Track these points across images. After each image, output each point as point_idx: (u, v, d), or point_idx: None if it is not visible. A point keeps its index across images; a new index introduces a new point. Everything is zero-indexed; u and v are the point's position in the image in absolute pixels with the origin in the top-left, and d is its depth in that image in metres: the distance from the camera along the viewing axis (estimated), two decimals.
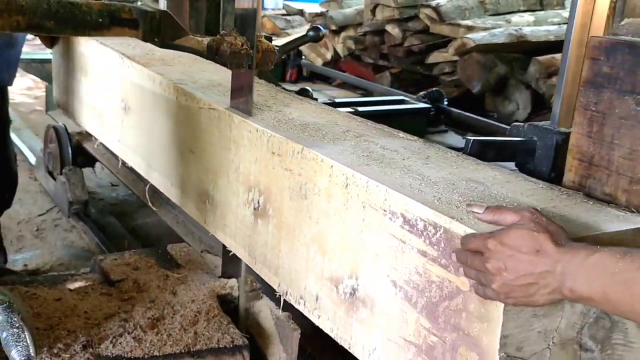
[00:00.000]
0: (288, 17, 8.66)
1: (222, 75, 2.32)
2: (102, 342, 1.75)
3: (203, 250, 2.68)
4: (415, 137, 1.87)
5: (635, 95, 1.52)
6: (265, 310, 2.02)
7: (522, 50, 5.93)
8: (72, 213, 3.82)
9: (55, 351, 1.69)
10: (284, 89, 2.41)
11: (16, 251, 3.52)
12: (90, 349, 1.72)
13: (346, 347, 1.62)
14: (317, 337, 1.82)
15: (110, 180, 4.55)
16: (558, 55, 5.17)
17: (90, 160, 4.08)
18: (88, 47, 2.89)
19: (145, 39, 1.88)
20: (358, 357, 1.59)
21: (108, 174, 4.41)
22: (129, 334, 1.81)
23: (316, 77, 6.96)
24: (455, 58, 6.08)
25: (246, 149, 1.91)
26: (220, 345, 1.81)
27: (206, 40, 1.87)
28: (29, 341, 1.50)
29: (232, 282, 2.09)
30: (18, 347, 1.47)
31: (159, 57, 2.54)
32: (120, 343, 1.76)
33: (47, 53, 3.61)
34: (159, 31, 1.88)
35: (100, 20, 1.77)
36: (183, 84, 2.23)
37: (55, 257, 3.53)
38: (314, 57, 7.53)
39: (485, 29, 6.15)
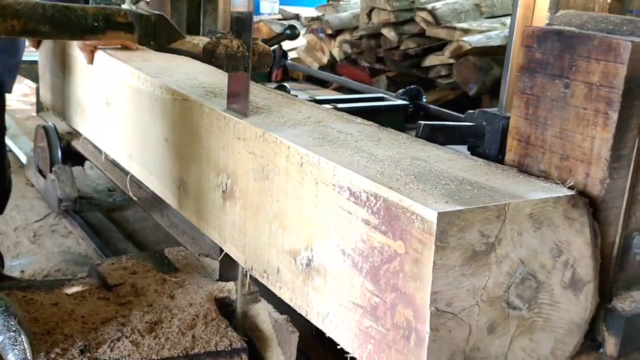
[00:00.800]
0: (284, 22, 8.72)
1: (198, 69, 2.44)
2: (99, 346, 1.74)
3: (200, 254, 2.71)
4: (371, 123, 1.97)
5: (563, 79, 1.62)
6: (263, 313, 2.03)
7: None
8: (62, 210, 3.96)
9: (53, 356, 1.67)
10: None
11: (13, 257, 3.52)
12: (88, 354, 1.71)
13: (303, 314, 1.72)
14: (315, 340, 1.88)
15: (107, 185, 4.65)
16: None
17: (80, 159, 4.22)
18: (71, 46, 3.02)
19: (141, 43, 1.89)
20: (314, 323, 1.69)
21: (105, 179, 4.49)
22: (126, 338, 1.80)
23: (313, 81, 7.07)
24: (452, 61, 6.15)
25: (215, 135, 2.02)
26: (219, 349, 1.81)
27: (202, 43, 1.89)
28: (25, 345, 1.48)
29: (230, 285, 2.09)
30: (15, 350, 1.45)
31: (139, 54, 2.66)
32: (118, 347, 1.76)
33: (35, 54, 3.73)
34: (155, 35, 1.88)
35: (96, 24, 1.78)
36: (159, 77, 2.34)
37: (52, 263, 3.51)
38: (311, 61, 7.57)
39: (481, 31, 6.23)
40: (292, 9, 8.99)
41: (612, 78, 1.53)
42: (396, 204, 1.39)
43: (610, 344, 1.70)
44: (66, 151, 4.24)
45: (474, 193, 1.44)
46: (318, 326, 1.68)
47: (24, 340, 1.48)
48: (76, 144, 4.24)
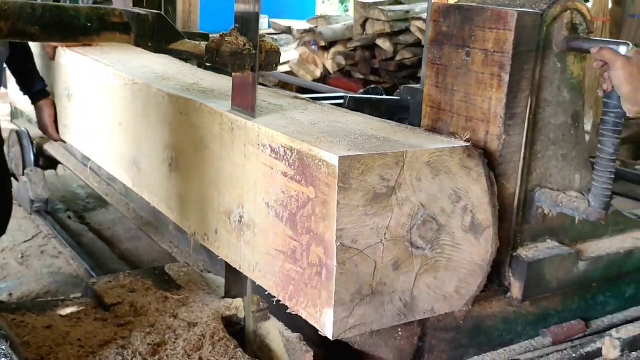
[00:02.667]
0: (275, 37, 8.59)
1: (150, 59, 2.63)
2: None
3: (203, 270, 2.70)
4: (304, 96, 2.15)
5: (465, 48, 1.81)
6: (274, 331, 1.92)
7: None
8: (34, 211, 4.08)
9: None
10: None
11: (0, 280, 3.39)
12: None
13: (237, 268, 1.88)
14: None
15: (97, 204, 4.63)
16: None
17: (52, 162, 4.37)
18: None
19: (138, 44, 1.78)
20: (246, 274, 1.85)
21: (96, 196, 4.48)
22: None
23: (305, 93, 7.06)
24: None
25: (161, 113, 2.20)
26: None
27: (204, 43, 1.79)
28: None
29: (238, 302, 1.95)
30: None
31: (98, 48, 2.84)
32: None
33: None
34: (153, 35, 1.77)
35: (89, 24, 1.67)
36: (114, 66, 2.52)
37: (41, 284, 3.37)
38: (303, 74, 7.41)
39: None
40: (284, 22, 8.86)
41: (503, 44, 1.72)
42: (307, 153, 1.57)
43: (516, 288, 1.88)
44: (38, 155, 4.40)
45: (378, 144, 1.62)
46: (249, 276, 1.84)
47: None
48: (48, 148, 4.40)
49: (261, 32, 8.67)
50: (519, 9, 1.72)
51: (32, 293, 3.27)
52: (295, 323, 1.82)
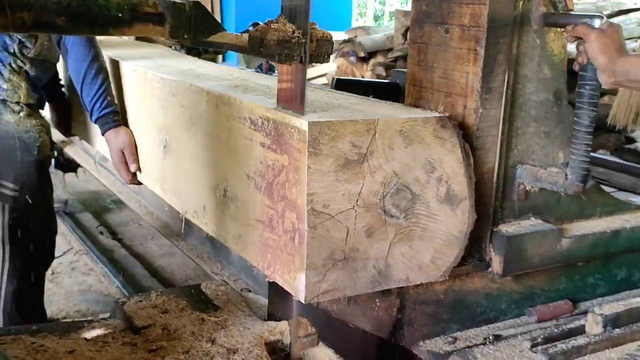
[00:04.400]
0: None
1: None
2: None
3: (243, 289, 2.62)
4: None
5: (444, 25, 1.84)
6: (323, 359, 1.78)
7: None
8: None
9: None
10: None
11: None
12: None
13: (223, 242, 1.93)
14: None
15: (132, 218, 4.58)
16: None
17: (73, 165, 4.49)
18: None
19: (173, 36, 1.67)
20: (230, 247, 1.90)
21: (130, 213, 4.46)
22: None
23: None
24: None
25: (155, 97, 2.26)
26: None
27: (245, 35, 1.67)
28: None
29: (282, 325, 1.79)
30: None
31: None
32: None
33: None
34: (190, 27, 1.66)
35: (120, 15, 1.55)
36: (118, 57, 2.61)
37: (71, 303, 3.35)
38: None
39: None
40: None
41: (478, 18, 1.75)
42: (281, 122, 1.62)
43: (496, 263, 1.89)
44: (59, 157, 4.52)
45: (351, 113, 1.66)
46: (232, 249, 1.88)
47: None
48: (68, 151, 4.52)
49: None
50: None
51: (61, 312, 3.25)
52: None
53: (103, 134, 2.43)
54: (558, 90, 1.93)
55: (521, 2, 1.79)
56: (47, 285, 3.26)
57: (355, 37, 7.49)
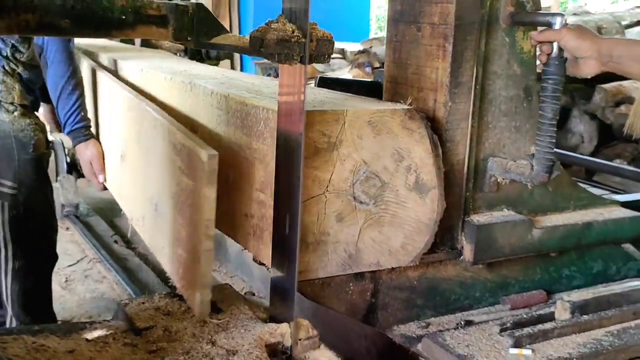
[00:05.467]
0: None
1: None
2: None
3: (247, 292, 2.68)
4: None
5: (416, 24, 1.94)
6: None
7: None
8: (64, 215, 4.33)
9: None
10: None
11: None
12: None
13: (153, 252, 2.02)
14: None
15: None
16: (625, 82, 5.05)
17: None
18: None
19: (176, 38, 1.68)
20: (157, 258, 2.00)
21: None
22: None
23: None
24: None
25: (119, 109, 2.39)
26: None
27: (247, 36, 1.63)
28: None
29: (283, 327, 1.75)
30: None
31: None
32: None
33: None
34: (193, 29, 1.68)
35: (124, 17, 1.57)
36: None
37: (83, 309, 3.35)
38: None
39: None
40: (337, 44, 8.90)
41: (446, 17, 1.85)
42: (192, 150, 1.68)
43: (468, 251, 1.97)
44: (71, 163, 4.68)
45: (322, 105, 1.76)
46: (159, 260, 1.98)
47: None
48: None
49: None
50: None
51: (73, 318, 3.29)
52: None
53: (74, 147, 2.60)
54: (528, 87, 2.02)
55: (489, 2, 1.89)
56: (60, 292, 3.45)
57: (370, 47, 7.57)
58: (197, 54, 3.67)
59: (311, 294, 1.84)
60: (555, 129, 1.85)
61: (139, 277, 3.72)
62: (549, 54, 1.80)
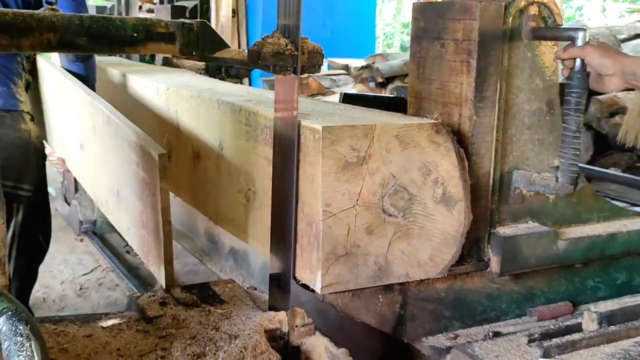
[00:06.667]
0: (333, 77, 8.42)
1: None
2: None
3: (249, 287, 2.81)
4: (306, 97, 2.36)
5: (440, 40, 1.99)
6: (319, 347, 1.85)
7: None
8: (82, 231, 4.39)
9: None
10: None
11: (58, 310, 3.48)
12: None
13: (119, 230, 2.37)
14: None
15: None
16: (620, 94, 5.13)
17: None
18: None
19: (183, 53, 1.81)
20: (124, 236, 2.36)
21: None
22: None
23: None
24: None
25: (69, 102, 2.64)
26: None
27: (246, 50, 1.82)
28: (34, 352, 1.28)
29: (281, 315, 1.88)
30: (20, 356, 1.26)
31: None
32: None
33: None
34: (198, 44, 1.81)
35: (135, 35, 1.71)
36: None
37: None
38: None
39: None
40: (341, 60, 8.93)
41: (469, 33, 1.89)
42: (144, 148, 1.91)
43: (494, 262, 2.00)
44: None
45: (351, 120, 1.80)
46: (125, 238, 2.35)
47: (32, 345, 1.28)
48: None
49: (320, 73, 8.60)
50: (484, 0, 1.89)
51: None
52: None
53: None
54: (550, 100, 2.05)
55: (511, 17, 1.93)
56: (75, 299, 3.63)
57: (373, 63, 7.66)
58: (217, 73, 3.73)
59: (341, 306, 1.87)
60: (579, 141, 1.88)
61: (151, 285, 3.69)
62: (571, 68, 1.83)
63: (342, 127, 1.70)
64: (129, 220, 2.24)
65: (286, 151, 1.78)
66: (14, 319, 1.30)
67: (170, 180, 2.64)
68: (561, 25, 2.02)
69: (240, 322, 1.88)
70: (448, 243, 1.87)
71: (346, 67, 8.52)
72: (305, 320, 1.86)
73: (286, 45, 1.68)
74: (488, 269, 2.02)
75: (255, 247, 2.06)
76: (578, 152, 1.89)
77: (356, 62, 8.39)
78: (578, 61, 1.82)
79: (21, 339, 1.26)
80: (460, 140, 1.91)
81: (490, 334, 1.99)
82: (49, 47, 1.63)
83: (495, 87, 1.93)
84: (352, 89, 7.75)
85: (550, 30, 1.95)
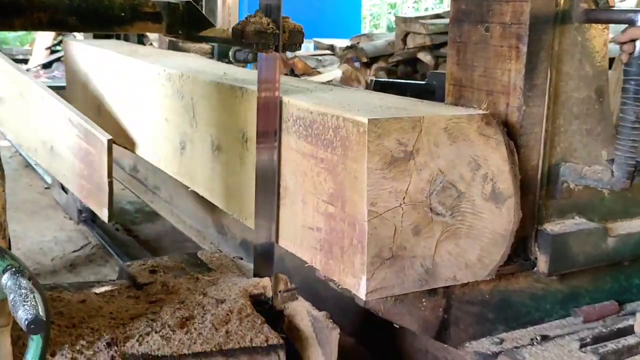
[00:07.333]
0: (319, 57, 8.48)
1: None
2: (128, 340, 1.67)
3: (235, 257, 2.81)
4: (328, 84, 2.21)
5: (483, 24, 1.84)
6: (301, 311, 1.91)
7: None
8: (81, 220, 4.24)
9: (78, 348, 1.61)
10: None
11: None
12: (115, 347, 1.64)
13: (54, 176, 2.69)
14: None
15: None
16: None
17: None
18: None
19: (169, 32, 1.87)
20: (60, 180, 2.72)
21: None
22: (156, 332, 1.72)
23: None
24: None
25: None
26: (254, 345, 1.72)
27: (230, 29, 1.86)
28: (38, 302, 1.37)
29: (265, 281, 1.96)
30: (25, 306, 1.34)
31: None
32: (147, 342, 1.67)
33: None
34: (183, 24, 1.86)
35: (123, 14, 1.76)
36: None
37: None
38: None
39: None
40: (326, 41, 8.95)
41: (520, 15, 1.75)
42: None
43: (542, 262, 1.87)
44: None
45: (395, 112, 1.66)
46: (61, 181, 2.68)
47: (36, 297, 1.37)
48: None
49: (306, 53, 8.46)
50: None
51: None
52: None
53: None
54: (599, 87, 1.92)
55: None
56: (66, 275, 3.62)
57: (358, 43, 7.63)
58: (224, 57, 3.56)
59: (383, 312, 1.74)
60: (638, 132, 1.75)
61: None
62: (630, 53, 1.70)
63: (388, 119, 1.56)
64: (66, 172, 2.63)
65: (269, 126, 1.85)
66: (17, 274, 1.39)
67: (184, 172, 2.52)
68: (612, 5, 1.88)
69: (226, 288, 1.95)
70: (497, 243, 1.74)
71: (332, 48, 8.59)
72: (289, 286, 1.93)
73: (268, 24, 1.76)
74: (534, 269, 1.89)
75: (286, 246, 1.92)
76: (637, 145, 1.76)
77: (342, 43, 8.40)
78: (638, 46, 1.69)
79: (25, 292, 1.35)
80: (508, 132, 1.77)
81: (537, 337, 1.87)
82: (39, 26, 1.70)
83: (546, 74, 1.80)
84: (338, 69, 7.73)
85: (604, 12, 1.81)
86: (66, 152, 2.52)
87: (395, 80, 2.29)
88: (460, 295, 1.83)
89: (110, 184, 2.32)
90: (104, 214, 2.38)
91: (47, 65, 11.86)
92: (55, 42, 12.02)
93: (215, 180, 2.28)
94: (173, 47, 3.51)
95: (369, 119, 1.53)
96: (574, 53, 1.86)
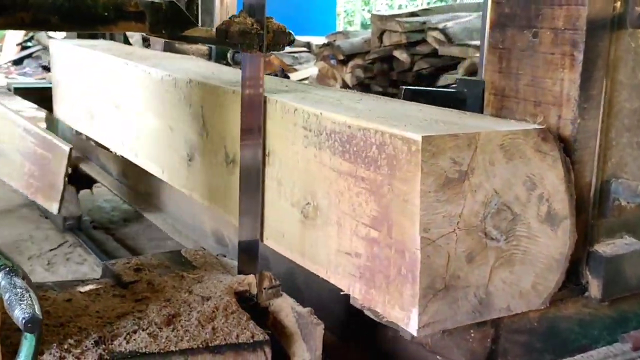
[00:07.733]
0: (295, 54, 8.54)
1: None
2: (115, 338, 1.68)
3: (218, 254, 2.72)
4: (354, 91, 2.05)
5: (531, 29, 1.70)
6: (286, 308, 1.92)
7: None
8: (67, 228, 4.04)
9: (66, 347, 1.62)
10: None
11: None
12: (103, 345, 1.65)
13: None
14: None
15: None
16: None
17: (88, 181, 4.33)
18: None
19: (152, 32, 1.85)
20: (5, 179, 2.42)
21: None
22: (143, 330, 1.73)
23: None
24: (467, 78, 6.15)
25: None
26: (240, 341, 1.73)
27: (214, 29, 1.83)
28: (33, 301, 1.39)
29: (250, 278, 1.98)
30: (22, 305, 1.36)
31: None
32: (134, 339, 1.69)
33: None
34: (167, 23, 1.85)
35: (106, 14, 1.74)
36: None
37: None
38: None
39: None
40: (303, 38, 8.88)
41: (575, 20, 1.61)
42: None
43: (594, 286, 1.74)
44: (73, 174, 4.35)
45: (445, 127, 1.51)
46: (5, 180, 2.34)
47: (31, 296, 1.39)
48: (84, 167, 4.37)
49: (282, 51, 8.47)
50: None
51: None
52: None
53: None
54: None
55: (619, 2, 1.65)
56: (43, 274, 3.56)
57: (334, 41, 7.53)
58: (222, 58, 3.39)
59: (430, 345, 1.59)
60: None
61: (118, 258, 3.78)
62: None
63: (443, 136, 1.41)
64: (12, 171, 2.99)
65: (253, 124, 1.85)
66: (11, 274, 1.43)
67: (192, 185, 2.34)
68: None
69: (212, 285, 1.97)
70: (552, 268, 1.60)
71: (308, 45, 8.49)
72: (273, 283, 1.94)
73: (252, 25, 1.75)
74: (585, 294, 1.76)
75: (317, 271, 1.76)
76: None
77: (318, 40, 8.55)
78: None
79: (21, 291, 1.38)
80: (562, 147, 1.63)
81: None
82: (22, 26, 1.67)
83: (602, 83, 1.66)
84: (314, 66, 7.66)
85: None
86: (15, 154, 2.87)
87: (426, 88, 2.15)
88: (508, 324, 1.68)
89: (65, 183, 2.83)
90: (53, 208, 2.92)
91: (18, 62, 11.57)
92: (26, 38, 11.73)
93: (231, 195, 2.11)
94: (169, 48, 3.33)
95: (422, 136, 1.38)
96: (627, 60, 1.72)
